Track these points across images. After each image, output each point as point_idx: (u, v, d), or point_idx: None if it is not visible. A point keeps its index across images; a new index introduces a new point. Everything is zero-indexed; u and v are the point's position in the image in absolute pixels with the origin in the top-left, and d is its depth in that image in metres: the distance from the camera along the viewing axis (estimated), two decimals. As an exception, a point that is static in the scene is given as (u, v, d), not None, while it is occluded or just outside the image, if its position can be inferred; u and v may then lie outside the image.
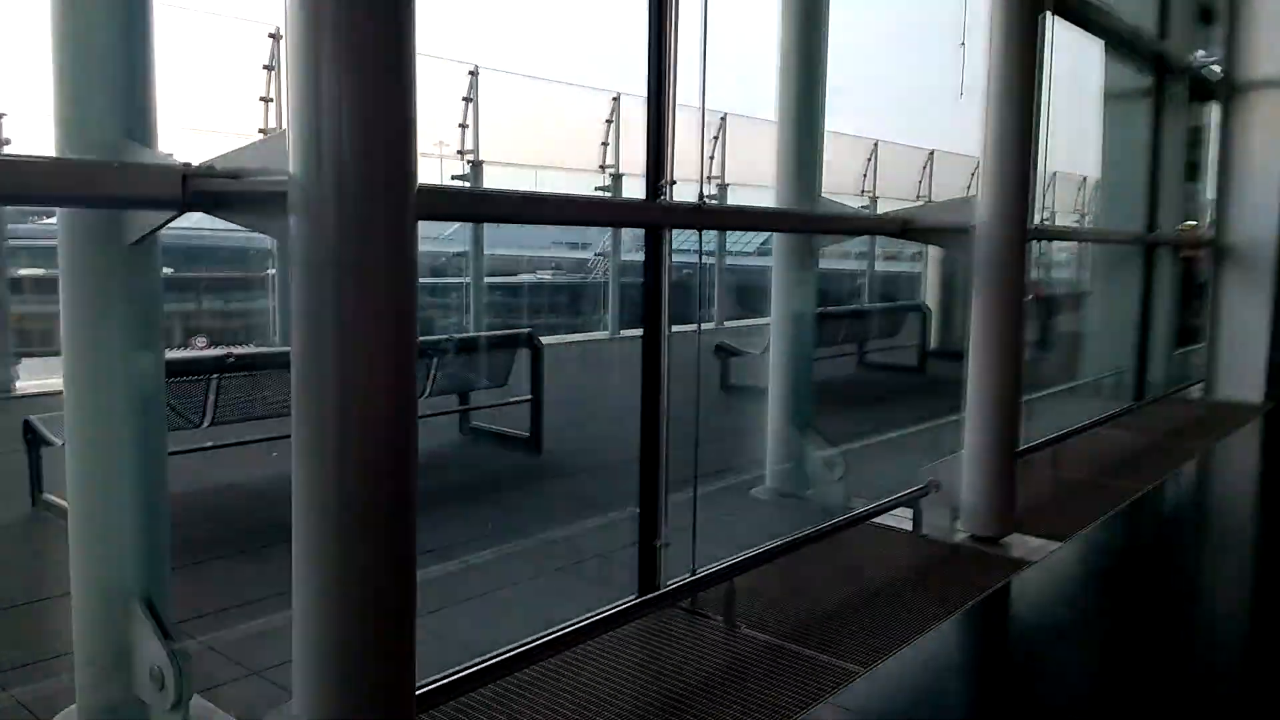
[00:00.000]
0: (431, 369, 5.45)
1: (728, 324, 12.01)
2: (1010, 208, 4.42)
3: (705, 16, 3.57)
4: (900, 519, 4.63)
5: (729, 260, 14.57)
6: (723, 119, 13.58)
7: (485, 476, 5.79)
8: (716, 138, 13.68)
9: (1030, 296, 4.87)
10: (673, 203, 3.37)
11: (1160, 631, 3.73)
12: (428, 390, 5.45)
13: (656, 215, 3.36)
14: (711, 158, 13.81)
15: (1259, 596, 4.29)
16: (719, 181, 13.70)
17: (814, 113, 5.15)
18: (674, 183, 3.40)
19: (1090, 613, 3.92)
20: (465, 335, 7.91)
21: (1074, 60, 6.62)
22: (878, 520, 4.53)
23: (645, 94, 3.39)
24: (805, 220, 5.13)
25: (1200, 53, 8.52)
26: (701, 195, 3.75)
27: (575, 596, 3.72)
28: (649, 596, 3.20)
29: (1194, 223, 8.98)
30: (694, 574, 3.36)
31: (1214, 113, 8.65)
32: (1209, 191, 8.80)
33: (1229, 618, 4.04)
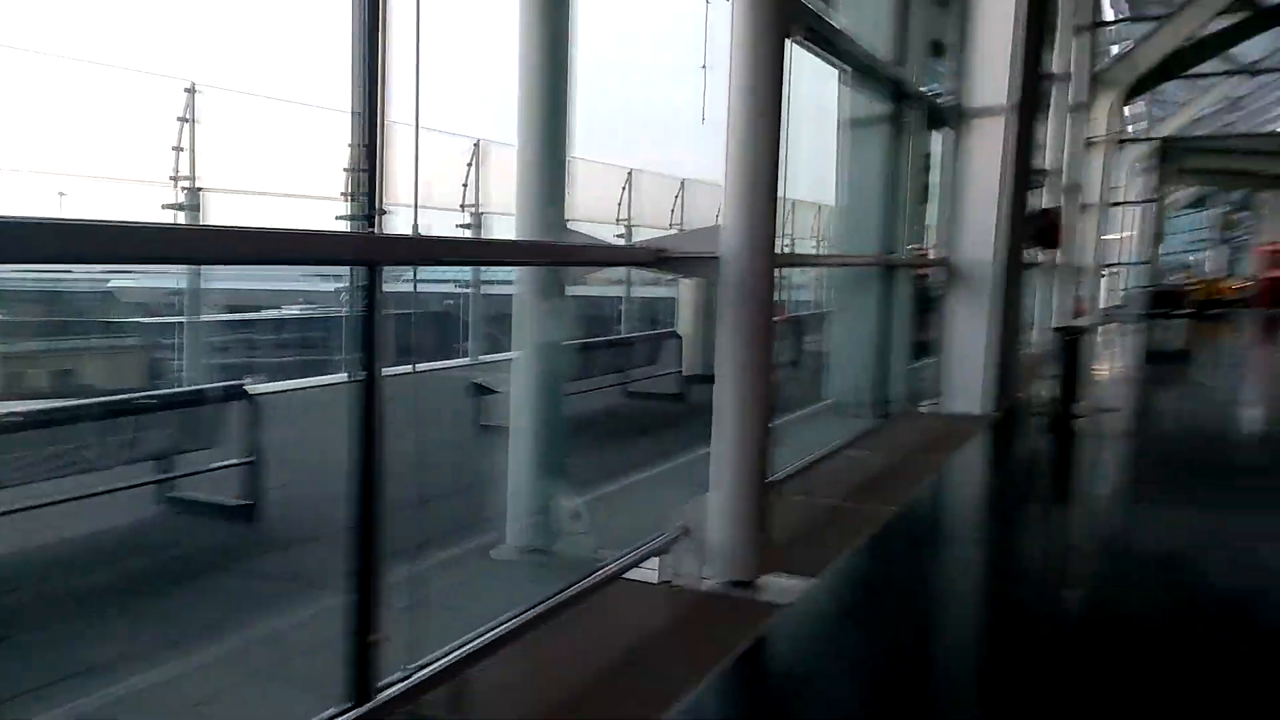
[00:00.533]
0: (102, 436, 4.56)
1: (484, 358, 11.55)
2: (756, 235, 4.28)
3: (418, 29, 3.16)
4: (653, 569, 4.31)
5: (495, 289, 14.18)
6: (476, 144, 13.33)
7: (180, 558, 4.94)
8: (471, 164, 13.36)
9: (775, 317, 4.78)
10: (382, 234, 2.88)
11: (913, 663, 3.67)
12: (94, 464, 4.56)
13: (360, 250, 2.85)
14: (465, 185, 13.44)
15: (996, 606, 4.50)
16: (474, 210, 13.36)
17: (558, 138, 4.82)
18: (385, 211, 2.93)
19: (847, 655, 3.79)
20: (156, 393, 6.93)
21: (810, 87, 6.76)
22: (630, 574, 4.19)
23: (350, 110, 2.94)
24: (550, 251, 4.75)
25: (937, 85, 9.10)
26: (415, 225, 3.26)
27: (273, 713, 3.10)
28: (360, 710, 2.66)
29: (918, 245, 9.53)
30: (410, 673, 2.84)
31: (940, 139, 9.22)
32: (935, 214, 9.39)
33: (975, 635, 4.13)
